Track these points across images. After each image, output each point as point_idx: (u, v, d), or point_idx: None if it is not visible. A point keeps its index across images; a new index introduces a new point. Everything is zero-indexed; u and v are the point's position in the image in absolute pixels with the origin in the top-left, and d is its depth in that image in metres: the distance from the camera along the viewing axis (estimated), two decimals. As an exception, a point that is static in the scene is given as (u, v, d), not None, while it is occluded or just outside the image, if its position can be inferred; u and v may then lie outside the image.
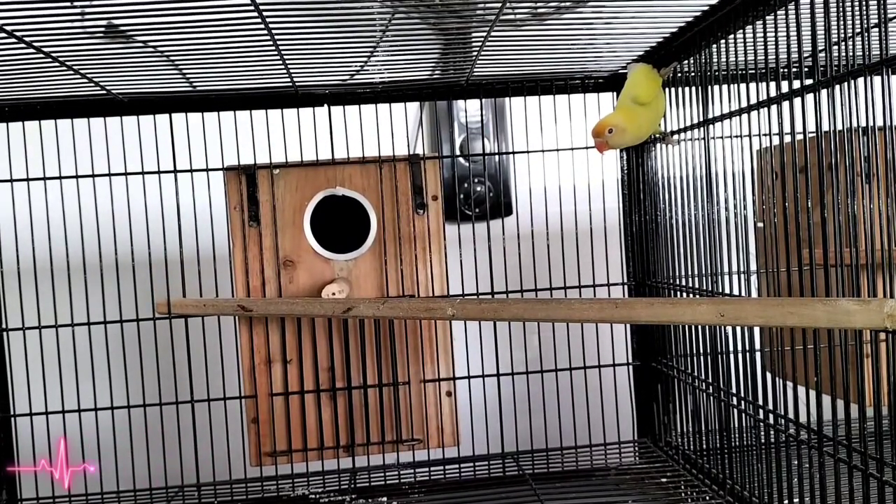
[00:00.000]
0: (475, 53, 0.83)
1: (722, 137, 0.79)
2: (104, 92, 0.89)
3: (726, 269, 0.80)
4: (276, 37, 0.72)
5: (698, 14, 0.76)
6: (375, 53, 0.82)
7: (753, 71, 0.72)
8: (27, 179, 0.92)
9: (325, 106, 0.97)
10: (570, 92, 0.99)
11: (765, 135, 0.70)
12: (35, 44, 0.70)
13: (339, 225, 0.94)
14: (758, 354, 0.77)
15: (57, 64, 0.76)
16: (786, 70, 0.66)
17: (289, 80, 0.89)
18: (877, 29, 0.56)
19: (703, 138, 0.82)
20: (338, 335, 0.93)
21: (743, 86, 0.73)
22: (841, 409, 0.63)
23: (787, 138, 0.66)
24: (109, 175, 0.93)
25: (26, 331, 0.94)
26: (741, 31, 0.73)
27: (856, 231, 0.60)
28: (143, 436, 0.95)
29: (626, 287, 1.04)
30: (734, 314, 0.61)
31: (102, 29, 0.68)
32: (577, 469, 0.98)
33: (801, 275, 0.66)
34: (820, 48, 0.61)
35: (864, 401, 0.73)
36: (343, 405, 0.93)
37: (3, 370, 0.97)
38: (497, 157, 1.23)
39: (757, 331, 0.78)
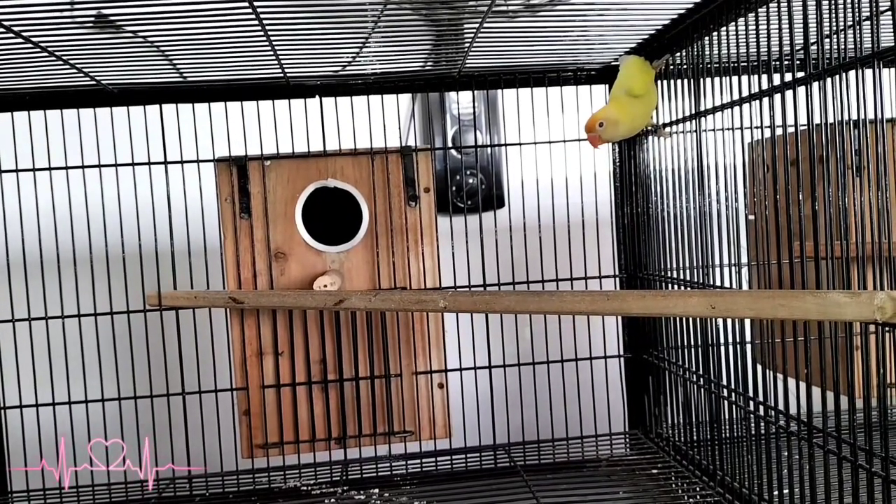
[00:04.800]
0: (467, 45, 0.83)
1: (714, 130, 0.79)
2: (94, 82, 0.88)
3: (717, 262, 0.80)
4: (267, 27, 0.71)
5: (690, 6, 0.76)
6: (367, 44, 0.81)
7: (745, 63, 0.72)
8: (16, 171, 0.91)
9: (317, 97, 0.96)
10: (563, 84, 0.99)
11: (756, 127, 0.70)
12: (24, 34, 0.69)
13: (331, 217, 0.94)
14: (748, 346, 0.77)
15: (46, 54, 0.76)
16: (777, 63, 0.66)
17: (280, 71, 0.88)
18: (868, 22, 0.56)
19: (695, 131, 0.82)
20: (329, 327, 0.93)
21: (735, 78, 0.73)
22: (831, 400, 0.63)
23: (779, 131, 0.66)
24: (99, 166, 0.92)
25: (16, 323, 0.93)
26: (733, 23, 0.73)
27: (846, 224, 0.60)
28: (134, 428, 0.95)
29: (617, 279, 1.04)
30: (725, 306, 0.61)
31: (92, 19, 0.68)
32: (568, 461, 0.98)
33: (791, 267, 0.66)
34: (812, 41, 0.61)
35: (853, 392, 0.73)
36: (335, 397, 0.93)
37: (-8, 362, 0.97)
38: (489, 149, 1.23)
39: (748, 323, 0.78)
